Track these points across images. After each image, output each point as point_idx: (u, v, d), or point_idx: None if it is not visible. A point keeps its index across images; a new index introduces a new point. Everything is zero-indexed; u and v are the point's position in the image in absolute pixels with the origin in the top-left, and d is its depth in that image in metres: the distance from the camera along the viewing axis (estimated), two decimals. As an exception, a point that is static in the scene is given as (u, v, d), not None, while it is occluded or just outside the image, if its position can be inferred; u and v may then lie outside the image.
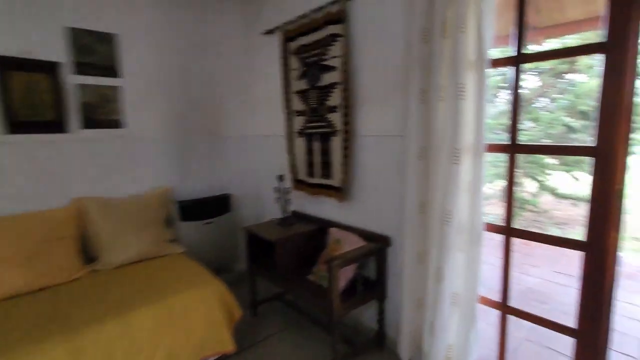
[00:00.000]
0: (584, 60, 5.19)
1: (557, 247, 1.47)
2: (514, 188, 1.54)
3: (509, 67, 1.48)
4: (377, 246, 2.01)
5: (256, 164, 3.16)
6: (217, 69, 2.88)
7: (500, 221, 1.59)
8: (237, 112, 3.03)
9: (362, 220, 2.18)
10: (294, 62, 2.47)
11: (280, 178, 2.43)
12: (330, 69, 2.16)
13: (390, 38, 1.86)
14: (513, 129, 1.50)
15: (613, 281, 1.31)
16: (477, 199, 1.51)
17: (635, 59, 1.15)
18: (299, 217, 2.64)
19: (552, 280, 3.33)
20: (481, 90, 1.43)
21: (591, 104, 5.20)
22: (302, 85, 2.41)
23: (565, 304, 2.85)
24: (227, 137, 2.99)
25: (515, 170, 1.51)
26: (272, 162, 2.93)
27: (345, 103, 2.08)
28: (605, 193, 1.27)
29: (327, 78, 2.19)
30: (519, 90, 1.48)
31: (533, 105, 5.97)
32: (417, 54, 1.60)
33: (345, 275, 1.96)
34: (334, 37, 2.10)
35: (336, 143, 2.19)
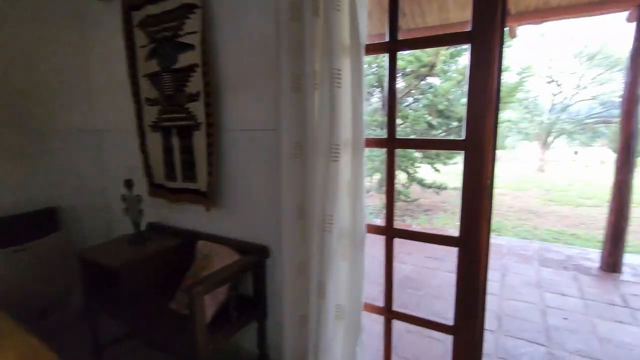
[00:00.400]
0: (439, 65, 5.96)
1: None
2: (394, 184, 1.45)
3: (383, 54, 1.36)
4: (254, 259, 1.72)
5: (100, 165, 2.49)
6: (35, 41, 2.12)
7: (377, 215, 1.49)
8: (70, 99, 2.31)
9: (236, 229, 1.85)
10: (142, 38, 1.96)
11: (128, 183, 1.90)
12: (187, 47, 1.75)
13: (258, 12, 1.58)
14: (391, 123, 1.40)
15: (486, 273, 1.31)
16: (358, 199, 1.36)
17: (500, 50, 1.14)
18: (158, 230, 2.14)
19: (424, 266, 3.60)
20: (358, 77, 1.28)
21: (446, 103, 6.02)
22: (152, 66, 1.93)
23: (435, 287, 3.08)
24: (56, 132, 2.25)
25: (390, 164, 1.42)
26: (124, 163, 2.33)
27: (207, 90, 1.72)
28: (475, 187, 1.25)
29: (184, 59, 1.78)
30: (395, 82, 1.39)
31: (401, 104, 6.60)
32: (286, 33, 1.36)
33: (215, 299, 1.61)
34: (189, 7, 1.70)
35: (199, 139, 1.81)
